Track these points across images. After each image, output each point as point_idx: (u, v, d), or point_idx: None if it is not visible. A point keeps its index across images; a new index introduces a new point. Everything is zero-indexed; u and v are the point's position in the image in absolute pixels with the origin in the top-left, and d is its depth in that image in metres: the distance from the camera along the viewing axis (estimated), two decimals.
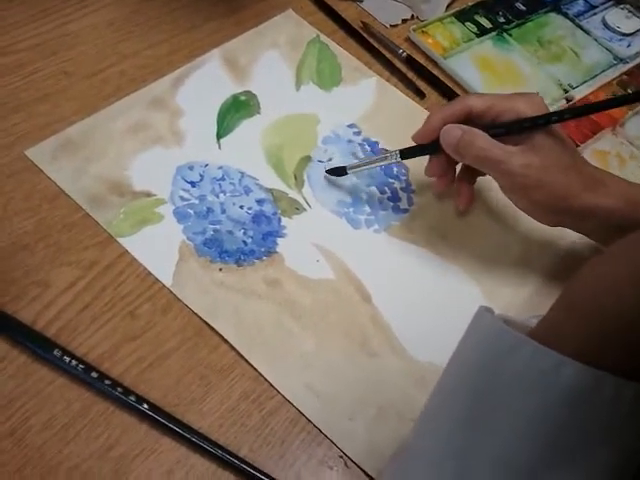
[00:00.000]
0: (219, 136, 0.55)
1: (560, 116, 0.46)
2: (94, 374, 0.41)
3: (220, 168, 0.53)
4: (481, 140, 0.46)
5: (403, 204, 0.54)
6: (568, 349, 0.29)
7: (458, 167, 0.52)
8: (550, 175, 0.45)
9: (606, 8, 0.76)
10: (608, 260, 0.30)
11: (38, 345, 0.42)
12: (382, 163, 0.52)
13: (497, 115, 0.47)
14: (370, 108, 0.60)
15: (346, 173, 0.53)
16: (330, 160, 0.55)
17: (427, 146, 0.50)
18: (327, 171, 0.54)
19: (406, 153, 0.51)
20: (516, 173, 0.45)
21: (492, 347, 0.32)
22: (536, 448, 0.29)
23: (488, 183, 0.52)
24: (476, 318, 0.34)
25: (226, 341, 0.45)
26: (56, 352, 0.41)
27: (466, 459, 0.31)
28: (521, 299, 0.51)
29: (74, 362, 0.41)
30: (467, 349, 0.34)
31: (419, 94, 0.63)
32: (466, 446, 0.31)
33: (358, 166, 0.52)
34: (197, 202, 0.51)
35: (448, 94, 0.63)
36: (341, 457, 0.43)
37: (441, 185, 0.52)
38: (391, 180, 0.55)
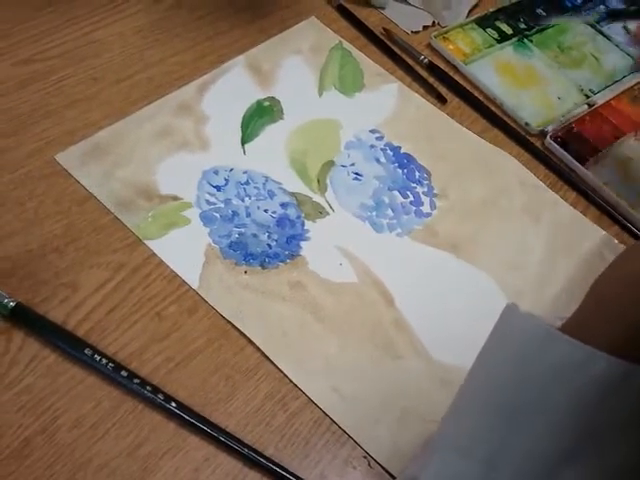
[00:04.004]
0: (244, 141, 0.56)
1: None
2: (124, 373, 0.42)
3: (245, 172, 0.53)
4: None
5: (425, 208, 0.55)
6: (599, 342, 0.29)
7: None
8: None
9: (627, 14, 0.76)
10: (637, 253, 0.30)
11: (69, 344, 0.43)
12: None
13: None
14: (392, 113, 0.60)
15: None
16: (353, 165, 0.56)
17: None
18: None
19: None
20: None
21: (523, 341, 0.32)
22: (567, 439, 0.30)
23: (507, 186, 0.52)
24: (505, 313, 0.34)
25: (251, 342, 0.46)
26: (87, 351, 0.42)
27: (497, 449, 0.31)
28: (544, 301, 0.51)
29: (104, 361, 0.42)
30: (498, 344, 0.34)
31: (440, 99, 0.63)
32: (497, 437, 0.31)
33: None
34: (222, 206, 0.51)
35: (469, 100, 0.64)
36: (365, 457, 0.43)
37: None
38: (413, 184, 0.56)
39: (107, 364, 0.42)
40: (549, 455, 0.30)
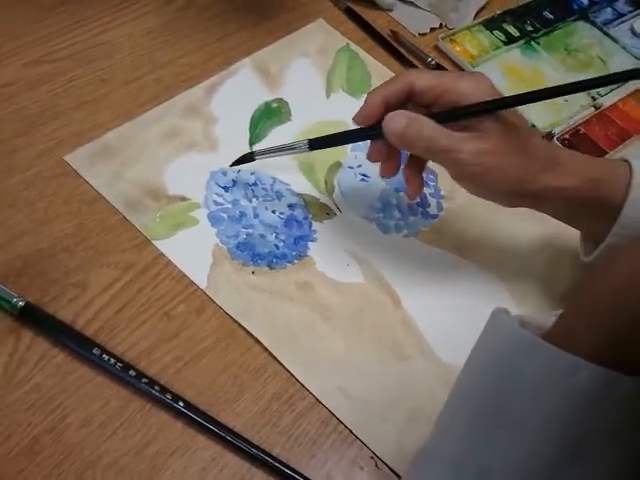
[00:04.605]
0: (251, 142, 0.56)
1: (514, 101, 0.44)
2: (132, 372, 0.42)
3: (253, 173, 0.54)
4: (428, 129, 0.43)
5: (432, 210, 0.55)
6: (583, 350, 0.29)
7: None
8: (503, 161, 0.43)
9: (634, 16, 0.76)
10: (620, 260, 0.30)
11: (78, 344, 0.43)
12: (290, 152, 0.50)
13: (440, 95, 0.44)
14: None
15: (254, 159, 0.51)
16: (360, 166, 0.56)
17: (352, 133, 0.47)
18: (233, 163, 0.52)
19: (316, 143, 0.49)
20: (467, 162, 0.42)
21: (507, 350, 0.32)
22: (553, 449, 0.30)
23: None
24: (492, 320, 0.34)
25: (259, 342, 0.46)
26: (95, 350, 0.43)
27: (484, 461, 0.31)
28: (551, 303, 0.51)
29: (113, 360, 0.42)
30: (483, 352, 0.34)
31: None
32: (484, 448, 0.32)
33: (266, 152, 0.51)
34: (230, 206, 0.52)
35: None
36: (372, 458, 0.43)
37: (388, 171, 0.48)
38: None
39: (115, 364, 0.42)
40: (538, 464, 0.30)
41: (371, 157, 0.47)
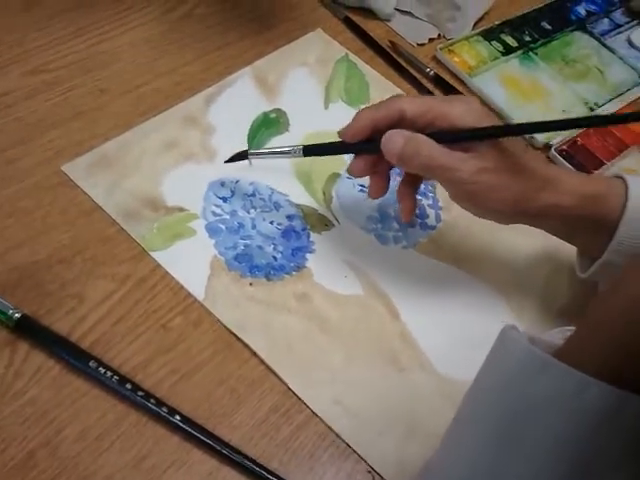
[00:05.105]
0: None
1: (514, 130, 0.45)
2: (128, 385, 0.42)
3: (251, 184, 0.54)
4: (427, 147, 0.43)
5: (431, 221, 0.55)
6: (594, 368, 0.29)
7: None
8: (501, 180, 0.43)
9: (631, 27, 0.77)
10: (632, 279, 0.30)
11: (74, 356, 0.43)
12: (284, 156, 0.50)
13: (431, 121, 0.44)
14: None
15: (247, 158, 0.52)
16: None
17: (343, 145, 0.47)
18: (227, 160, 0.52)
19: (311, 150, 0.49)
20: (466, 180, 0.43)
21: (518, 369, 0.32)
22: (563, 468, 0.30)
23: None
24: (501, 337, 0.34)
25: (256, 355, 0.46)
26: (92, 363, 0.42)
27: (494, 479, 0.31)
28: (550, 316, 0.51)
29: (109, 373, 0.42)
30: (493, 369, 0.34)
31: None
32: (494, 466, 0.31)
33: (260, 153, 0.52)
34: (228, 217, 0.51)
35: None
36: (369, 472, 0.43)
37: (377, 191, 0.48)
38: (419, 197, 0.56)
39: (112, 377, 0.42)
40: None
41: (352, 172, 0.48)
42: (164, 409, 0.42)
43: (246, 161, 0.54)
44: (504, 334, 0.34)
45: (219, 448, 0.41)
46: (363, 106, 0.61)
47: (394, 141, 0.44)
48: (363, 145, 0.46)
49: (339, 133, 0.47)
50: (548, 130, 0.47)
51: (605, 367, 0.29)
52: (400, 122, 0.45)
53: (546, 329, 0.50)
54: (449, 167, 0.43)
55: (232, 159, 0.52)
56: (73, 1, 0.61)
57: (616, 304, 0.30)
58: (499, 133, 0.44)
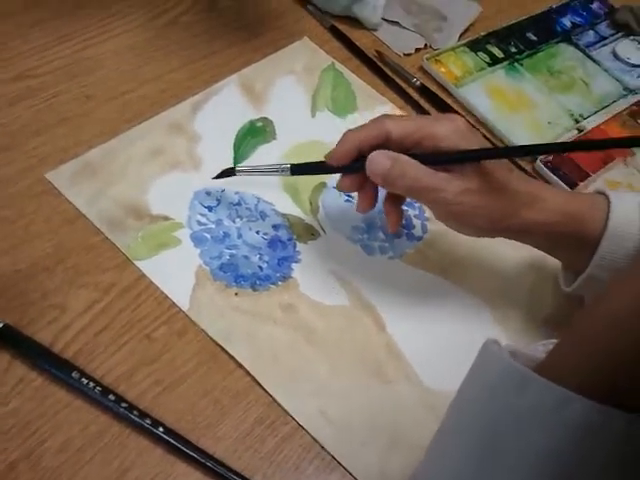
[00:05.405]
0: (236, 161, 0.55)
1: (498, 153, 0.46)
2: (111, 397, 0.41)
3: (237, 193, 0.53)
4: (412, 169, 0.44)
5: (417, 231, 0.55)
6: (576, 384, 0.29)
7: None
8: (486, 200, 0.44)
9: (616, 39, 0.77)
10: (612, 295, 0.30)
11: (56, 367, 0.42)
12: (271, 174, 0.51)
13: (418, 141, 0.45)
14: None
15: (235, 174, 0.52)
16: None
17: (327, 167, 0.47)
18: (215, 176, 0.52)
19: (298, 169, 0.49)
20: (451, 201, 0.44)
21: (499, 383, 0.32)
22: None
23: None
24: (483, 351, 0.34)
25: (241, 366, 0.46)
26: (74, 374, 0.42)
27: None
28: (535, 327, 0.51)
29: (92, 384, 0.42)
30: (475, 383, 0.34)
31: None
32: (477, 478, 0.31)
33: (248, 170, 0.51)
34: (214, 227, 0.51)
35: None
36: None
37: (364, 206, 0.48)
38: (405, 207, 0.56)
39: (94, 387, 0.42)
40: None
41: (342, 188, 0.48)
42: (147, 421, 0.41)
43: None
44: (486, 348, 0.34)
45: (203, 460, 0.41)
46: (350, 115, 0.62)
47: (378, 162, 0.44)
48: (350, 165, 0.46)
49: (326, 157, 0.47)
50: (528, 155, 0.48)
51: (587, 381, 0.29)
52: (386, 143, 0.45)
53: (532, 340, 0.50)
54: (434, 188, 0.44)
55: (220, 175, 0.52)
56: (58, 8, 0.60)
57: (599, 318, 0.30)
58: (483, 156, 0.44)
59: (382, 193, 0.49)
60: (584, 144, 0.50)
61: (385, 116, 0.47)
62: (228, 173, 0.52)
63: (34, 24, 0.59)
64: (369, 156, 0.45)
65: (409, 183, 0.44)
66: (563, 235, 0.46)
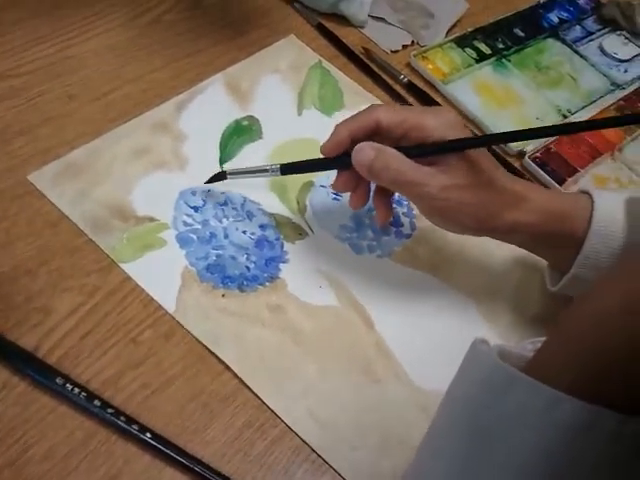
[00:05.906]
0: (222, 161, 0.55)
1: (481, 141, 0.45)
2: (97, 402, 0.41)
3: (223, 193, 0.53)
4: (396, 162, 0.43)
5: (406, 229, 0.55)
6: (564, 383, 0.29)
7: None
8: (471, 196, 0.44)
9: (603, 35, 0.77)
10: (600, 292, 0.30)
11: (40, 373, 0.41)
12: (262, 175, 0.50)
13: (406, 131, 0.44)
14: None
15: (226, 178, 0.51)
16: None
17: (321, 162, 0.47)
18: (207, 181, 0.52)
19: (289, 168, 0.49)
20: (434, 196, 0.43)
21: (487, 384, 0.32)
22: None
23: None
24: (471, 351, 0.34)
25: (229, 368, 0.45)
26: (59, 380, 0.41)
27: None
28: (523, 323, 0.51)
29: (77, 390, 0.41)
30: (463, 383, 0.34)
31: None
32: (467, 478, 0.31)
33: (239, 173, 0.51)
34: (200, 227, 0.50)
35: None
36: None
37: (357, 202, 0.48)
38: (393, 205, 0.55)
39: (80, 393, 0.41)
40: None
41: (337, 188, 0.48)
42: (134, 426, 0.41)
43: (218, 169, 0.53)
44: (474, 348, 0.34)
45: (191, 466, 0.40)
46: (337, 113, 0.61)
47: (364, 153, 0.44)
48: (338, 161, 0.46)
49: (321, 149, 0.47)
50: (515, 140, 0.48)
51: (576, 380, 0.29)
52: (377, 132, 0.45)
53: (520, 337, 0.50)
54: (417, 182, 0.43)
55: (211, 180, 0.51)
56: (39, 7, 0.59)
57: (586, 317, 0.30)
58: (468, 145, 0.44)
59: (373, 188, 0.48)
60: (569, 127, 0.49)
61: (376, 105, 0.46)
62: (219, 177, 0.51)
63: (14, 23, 0.58)
64: (355, 147, 0.45)
65: (393, 175, 0.44)
66: (548, 235, 0.46)
